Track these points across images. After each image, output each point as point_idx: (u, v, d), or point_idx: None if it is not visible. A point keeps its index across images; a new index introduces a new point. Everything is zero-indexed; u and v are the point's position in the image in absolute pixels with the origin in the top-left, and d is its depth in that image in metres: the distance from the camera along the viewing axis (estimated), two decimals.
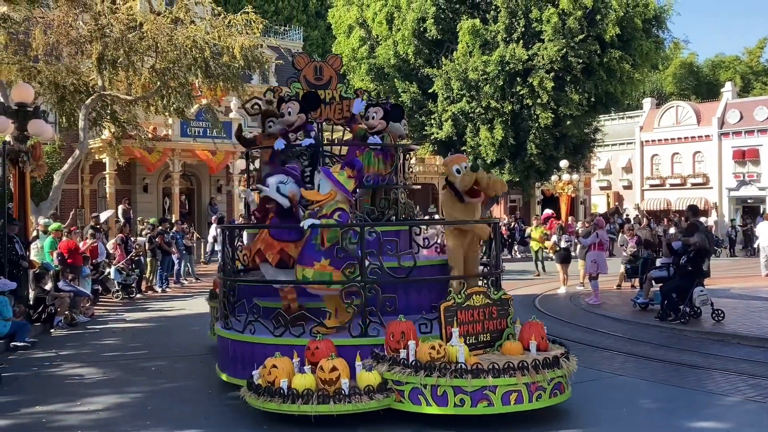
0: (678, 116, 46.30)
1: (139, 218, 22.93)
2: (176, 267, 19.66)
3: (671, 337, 11.35)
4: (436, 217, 23.05)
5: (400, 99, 30.80)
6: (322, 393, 6.37)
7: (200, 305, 13.64)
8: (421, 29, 31.05)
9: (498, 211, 33.97)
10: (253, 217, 8.95)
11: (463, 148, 30.89)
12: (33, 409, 7.40)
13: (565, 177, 30.18)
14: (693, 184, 45.16)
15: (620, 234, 22.50)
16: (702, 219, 18.20)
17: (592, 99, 29.82)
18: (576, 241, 19.24)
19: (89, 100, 17.92)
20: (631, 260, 17.01)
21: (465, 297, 7.04)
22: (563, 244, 17.93)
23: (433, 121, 31.36)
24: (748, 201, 43.50)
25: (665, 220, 26.96)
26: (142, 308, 15.54)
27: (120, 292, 16.77)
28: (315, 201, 7.46)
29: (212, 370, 8.95)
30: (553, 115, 29.17)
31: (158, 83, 17.89)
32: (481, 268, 8.67)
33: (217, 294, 10.16)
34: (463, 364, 6.38)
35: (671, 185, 46.13)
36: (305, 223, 7.27)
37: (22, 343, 10.85)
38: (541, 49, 28.87)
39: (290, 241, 7.62)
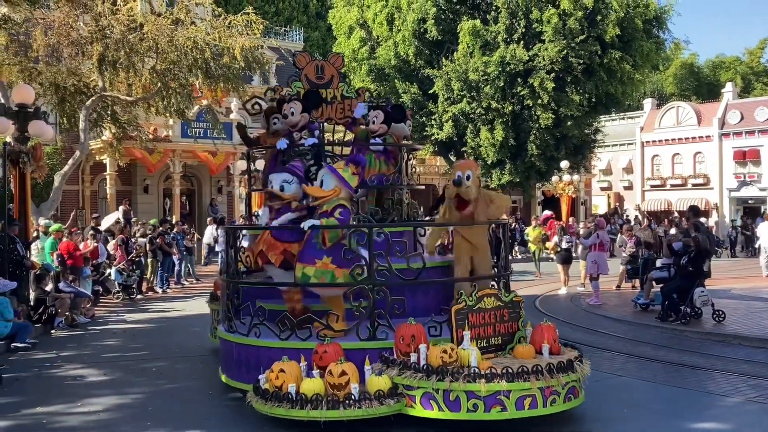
0: (678, 117, 46.30)
1: (134, 219, 22.89)
2: (177, 268, 19.67)
3: (672, 338, 11.35)
4: (437, 218, 23.00)
5: (400, 100, 30.79)
6: (332, 398, 6.25)
7: (201, 306, 13.64)
8: (422, 30, 31.04)
9: None
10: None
11: (464, 148, 30.89)
12: (34, 410, 7.41)
13: (566, 178, 30.16)
14: (694, 185, 45.15)
15: (619, 235, 22.52)
16: (702, 219, 18.17)
17: (593, 99, 29.81)
18: (577, 241, 19.25)
19: (90, 101, 17.94)
20: (630, 261, 17.05)
21: (476, 299, 6.91)
22: (564, 245, 17.92)
23: (433, 121, 31.36)
24: (749, 201, 43.48)
25: (665, 220, 26.94)
26: (142, 309, 15.54)
27: (120, 293, 16.77)
28: (318, 197, 7.33)
29: (213, 371, 8.95)
30: (553, 116, 29.16)
31: (159, 84, 17.91)
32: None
33: (218, 296, 10.11)
34: (476, 369, 6.27)
35: (672, 186, 46.12)
36: (306, 224, 7.17)
37: (22, 344, 10.85)
38: (541, 49, 28.87)
39: (294, 242, 7.51)
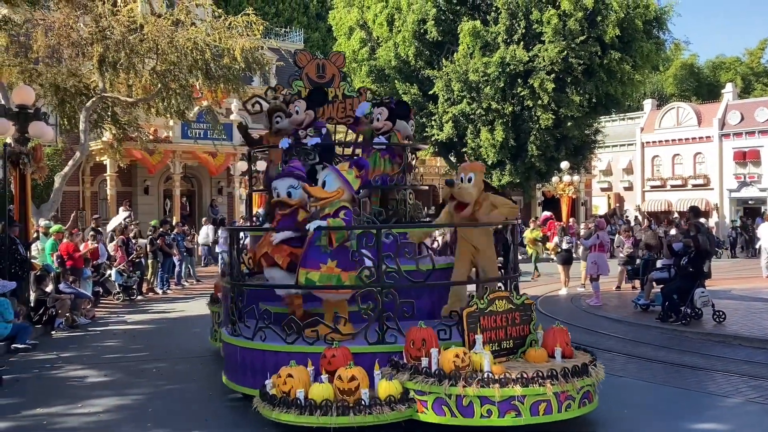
0: (679, 117, 46.30)
1: (128, 219, 22.80)
2: (177, 269, 19.68)
3: (672, 339, 11.35)
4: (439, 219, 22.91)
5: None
6: (342, 404, 6.09)
7: (201, 307, 13.64)
8: (422, 31, 31.03)
9: None
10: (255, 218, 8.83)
11: (464, 149, 30.87)
12: (34, 411, 7.41)
13: (566, 178, 30.16)
14: (694, 186, 45.15)
15: (617, 235, 22.56)
16: (702, 220, 18.18)
17: (593, 100, 29.79)
18: (578, 242, 19.26)
19: (90, 102, 17.95)
20: (627, 261, 17.10)
21: (487, 302, 6.76)
22: (565, 246, 17.94)
23: (433, 122, 31.35)
24: (749, 202, 43.48)
25: (665, 221, 26.92)
26: (142, 310, 15.54)
27: (121, 294, 16.77)
28: (320, 198, 7.17)
29: (213, 372, 8.95)
30: (553, 117, 29.15)
31: (159, 85, 17.91)
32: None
33: (218, 298, 10.05)
34: (489, 373, 6.13)
35: (672, 186, 46.12)
36: (311, 225, 7.01)
37: (23, 345, 10.85)
38: (541, 50, 28.85)
39: (300, 246, 7.34)
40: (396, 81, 31.99)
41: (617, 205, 47.48)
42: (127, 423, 7.01)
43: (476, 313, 6.67)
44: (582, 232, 18.40)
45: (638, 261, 16.68)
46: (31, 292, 13.38)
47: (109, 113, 19.64)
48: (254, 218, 10.63)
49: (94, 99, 17.97)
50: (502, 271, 8.40)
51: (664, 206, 45.07)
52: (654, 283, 13.94)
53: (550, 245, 20.15)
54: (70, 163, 18.31)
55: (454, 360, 6.23)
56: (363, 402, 6.07)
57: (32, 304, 13.02)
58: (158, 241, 18.35)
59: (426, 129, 31.35)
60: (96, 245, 16.07)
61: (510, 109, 29.43)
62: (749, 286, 18.00)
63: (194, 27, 17.73)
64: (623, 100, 32.99)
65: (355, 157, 8.90)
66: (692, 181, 45.22)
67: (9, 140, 13.18)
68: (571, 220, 27.10)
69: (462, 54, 30.06)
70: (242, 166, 25.29)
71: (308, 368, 6.52)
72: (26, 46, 17.26)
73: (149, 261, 18.34)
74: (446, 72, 30.06)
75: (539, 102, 28.87)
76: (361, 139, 9.86)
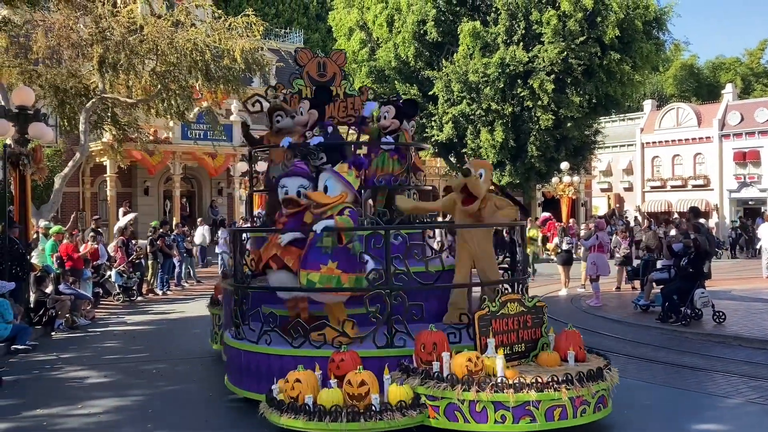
0: (679, 118, 46.31)
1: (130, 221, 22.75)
2: (177, 270, 19.67)
3: (672, 339, 11.35)
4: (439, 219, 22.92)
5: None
6: (352, 409, 5.92)
7: (201, 308, 13.64)
8: (422, 32, 31.05)
9: None
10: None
11: (464, 150, 30.89)
12: (34, 412, 7.40)
13: (566, 179, 30.18)
14: (694, 186, 45.15)
15: (614, 236, 22.59)
16: (702, 221, 18.19)
17: (593, 101, 29.80)
18: (578, 243, 19.27)
19: (90, 103, 17.96)
20: (623, 261, 17.15)
21: (499, 305, 6.63)
22: (565, 246, 17.95)
23: (433, 123, 31.36)
24: (749, 203, 43.48)
25: (664, 222, 26.95)
26: (142, 311, 15.54)
27: (121, 295, 16.77)
28: (324, 203, 6.94)
29: (213, 373, 8.96)
30: (553, 117, 29.16)
31: (159, 86, 17.93)
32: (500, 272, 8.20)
33: (219, 300, 9.97)
34: (503, 378, 6.00)
35: (672, 187, 46.12)
36: (318, 226, 6.82)
37: (23, 346, 10.84)
38: (541, 51, 28.87)
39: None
40: (396, 82, 32.00)
41: (617, 205, 47.48)
42: (126, 424, 7.01)
43: (488, 316, 6.54)
44: (582, 233, 18.41)
45: (636, 261, 16.71)
46: (31, 293, 13.38)
47: (109, 114, 19.65)
48: (254, 219, 10.56)
49: (94, 100, 17.98)
50: (509, 272, 8.21)
51: (664, 207, 45.07)
52: (654, 283, 13.94)
53: (550, 246, 20.16)
54: (70, 164, 18.32)
55: (466, 364, 6.09)
56: (373, 408, 5.93)
57: (32, 305, 13.02)
58: (158, 242, 18.35)
59: (426, 130, 31.35)
60: (96, 246, 16.07)
61: (510, 109, 29.44)
62: (749, 286, 18.00)
63: (194, 28, 17.75)
64: (623, 100, 33.01)
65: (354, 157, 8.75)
66: (692, 181, 45.23)
67: (9, 141, 13.20)
68: (571, 220, 27.12)
69: (462, 55, 30.07)
70: (242, 166, 25.30)
71: (316, 373, 6.37)
72: (26, 47, 17.28)
73: (149, 262, 18.35)
74: (446, 73, 30.08)
75: (539, 103, 28.88)
76: (365, 138, 9.76)
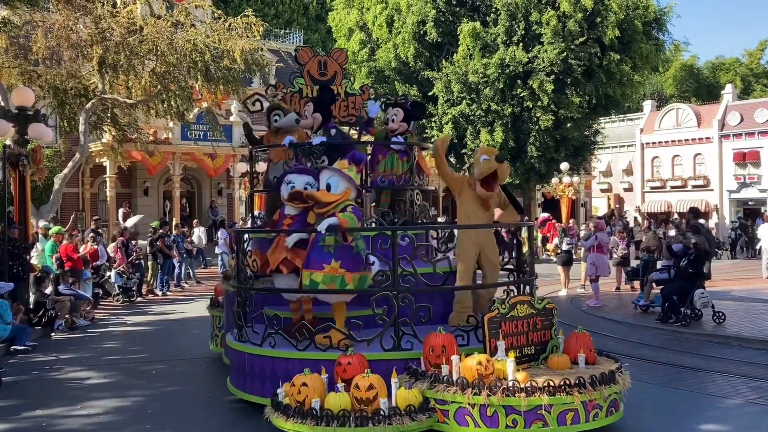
0: (678, 118, 46.31)
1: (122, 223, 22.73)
2: (177, 270, 19.67)
3: (672, 340, 11.34)
4: (440, 219, 23.05)
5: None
6: (360, 414, 5.79)
7: (201, 309, 13.64)
8: (421, 32, 31.05)
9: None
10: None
11: (464, 151, 30.89)
12: (34, 413, 7.40)
13: (566, 179, 30.17)
14: (694, 187, 45.15)
15: (612, 236, 22.61)
16: (702, 221, 18.19)
17: (593, 101, 29.79)
18: (578, 243, 19.28)
19: (90, 103, 17.96)
20: (620, 262, 17.18)
21: (509, 307, 6.53)
22: (565, 247, 17.95)
23: (433, 123, 31.35)
24: (749, 203, 43.48)
25: (664, 222, 26.97)
26: (142, 311, 15.54)
27: (120, 296, 16.77)
28: (329, 202, 6.81)
29: (212, 374, 8.96)
30: (553, 118, 29.15)
31: (158, 87, 17.92)
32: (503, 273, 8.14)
33: (219, 302, 9.91)
34: (514, 382, 5.88)
35: (672, 187, 46.12)
36: (322, 226, 6.69)
37: (22, 347, 10.84)
38: (541, 51, 28.87)
39: None
40: (396, 82, 32.01)
41: (616, 206, 47.50)
42: (126, 425, 7.00)
43: (498, 318, 6.43)
44: (582, 233, 18.41)
45: (636, 262, 16.73)
46: (30, 294, 13.38)
47: (109, 115, 19.65)
48: (255, 219, 10.50)
49: (93, 100, 17.97)
50: (516, 273, 8.12)
51: (664, 207, 45.07)
52: (654, 284, 13.95)
53: (550, 246, 20.15)
54: (70, 164, 18.32)
55: (476, 368, 5.99)
56: (382, 412, 5.79)
57: (32, 306, 13.01)
58: (158, 243, 18.34)
59: (426, 130, 31.34)
60: (95, 247, 16.07)
61: (509, 110, 29.44)
62: (749, 287, 18.00)
63: (194, 28, 17.75)
64: (623, 101, 33.01)
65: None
66: (692, 182, 45.22)
67: (8, 142, 13.19)
68: (571, 221, 27.12)
69: (461, 55, 30.07)
70: (241, 167, 25.29)
71: (322, 376, 6.25)
72: (26, 47, 17.29)
73: (149, 263, 18.35)
74: (446, 73, 30.08)
75: (539, 103, 28.88)
76: (365, 139, 9.72)
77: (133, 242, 18.05)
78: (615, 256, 17.58)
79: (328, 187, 6.88)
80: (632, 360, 9.88)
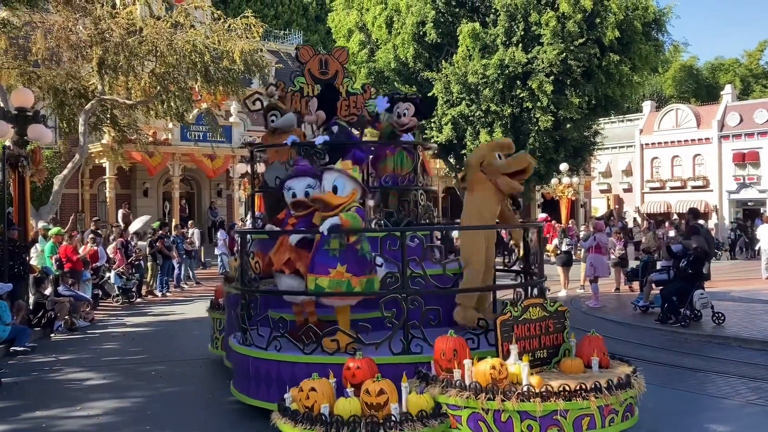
0: (678, 119, 46.33)
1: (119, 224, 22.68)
2: (176, 271, 19.67)
3: (672, 340, 11.35)
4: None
5: None
6: (370, 420, 5.61)
7: (200, 310, 13.63)
8: (421, 33, 31.04)
9: None
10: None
11: (463, 151, 30.89)
12: (33, 414, 7.40)
13: (565, 180, 30.17)
14: (693, 187, 45.17)
15: (609, 237, 22.63)
16: (702, 222, 18.20)
17: (592, 102, 29.78)
18: (578, 244, 19.29)
19: (89, 104, 17.96)
20: (618, 262, 17.20)
21: (522, 309, 6.38)
22: (564, 248, 17.95)
23: (432, 124, 31.34)
24: (749, 204, 43.49)
25: (664, 223, 26.98)
26: (142, 312, 15.54)
27: (120, 297, 16.77)
28: (336, 205, 6.59)
29: (212, 375, 8.95)
30: (552, 119, 29.14)
31: (158, 87, 17.92)
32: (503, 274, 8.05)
33: (220, 304, 9.84)
34: (529, 386, 5.74)
35: (671, 188, 46.14)
36: (324, 226, 6.48)
37: (22, 348, 10.84)
38: (540, 52, 28.86)
39: None
40: (395, 83, 31.99)
41: (615, 206, 47.51)
42: (126, 426, 7.00)
43: (510, 321, 6.27)
44: (582, 234, 18.41)
45: (635, 262, 16.76)
46: (30, 295, 13.37)
47: (108, 116, 19.65)
48: (255, 220, 10.48)
49: (93, 101, 17.97)
50: (524, 275, 7.96)
51: (664, 208, 45.09)
52: (653, 284, 13.95)
53: (549, 247, 20.15)
54: (69, 165, 18.32)
55: (490, 372, 5.83)
56: (393, 418, 5.62)
57: (31, 307, 13.00)
58: (158, 244, 18.34)
59: (425, 131, 31.35)
60: (95, 248, 16.07)
61: (509, 110, 29.44)
62: (749, 287, 17.99)
63: (193, 29, 17.75)
64: (622, 101, 32.99)
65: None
66: (691, 182, 45.24)
67: (8, 143, 13.18)
68: (570, 221, 27.12)
69: (461, 56, 30.07)
70: (241, 168, 25.28)
71: (331, 381, 6.06)
72: (25, 48, 17.29)
73: (149, 263, 18.35)
74: (445, 74, 30.07)
75: (538, 104, 28.87)
76: (367, 138, 9.64)
77: (132, 243, 18.05)
78: (613, 256, 17.60)
79: (335, 189, 6.68)
80: (632, 360, 9.86)
